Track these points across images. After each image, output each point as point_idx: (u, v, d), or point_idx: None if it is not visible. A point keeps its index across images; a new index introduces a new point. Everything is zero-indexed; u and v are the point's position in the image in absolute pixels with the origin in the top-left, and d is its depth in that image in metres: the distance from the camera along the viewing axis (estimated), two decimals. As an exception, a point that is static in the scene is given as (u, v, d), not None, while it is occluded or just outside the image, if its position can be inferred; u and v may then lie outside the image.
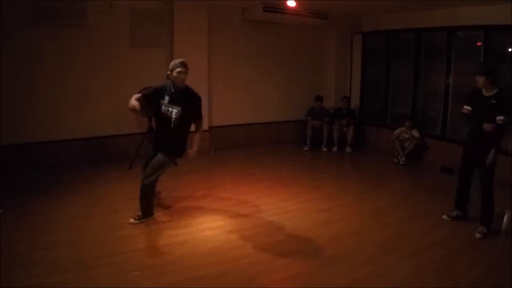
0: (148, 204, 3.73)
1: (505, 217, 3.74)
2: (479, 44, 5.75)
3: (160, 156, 3.62)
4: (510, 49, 5.47)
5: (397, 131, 6.44)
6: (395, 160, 6.32)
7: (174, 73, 3.60)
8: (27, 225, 3.60)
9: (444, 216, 3.96)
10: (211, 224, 3.79)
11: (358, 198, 4.66)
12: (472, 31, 5.86)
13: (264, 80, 7.23)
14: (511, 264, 3.06)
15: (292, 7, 6.04)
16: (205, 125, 6.47)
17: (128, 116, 5.91)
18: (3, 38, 4.89)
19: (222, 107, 6.76)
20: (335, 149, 7.01)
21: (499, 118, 3.49)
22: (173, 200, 4.39)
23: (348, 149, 7.01)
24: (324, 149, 7.04)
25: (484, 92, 3.68)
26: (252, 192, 4.71)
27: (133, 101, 3.51)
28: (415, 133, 6.27)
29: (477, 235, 3.57)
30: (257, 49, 7.04)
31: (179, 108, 3.57)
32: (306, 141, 7.14)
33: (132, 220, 3.69)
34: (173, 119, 3.56)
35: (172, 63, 3.66)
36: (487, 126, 3.53)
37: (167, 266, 2.99)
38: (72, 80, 5.50)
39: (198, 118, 3.75)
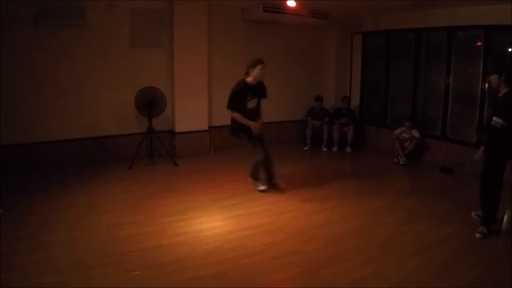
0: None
1: (505, 217, 3.73)
2: (479, 44, 5.75)
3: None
4: (510, 49, 5.46)
5: (397, 131, 6.44)
6: (395, 160, 6.32)
7: (257, 69, 4.43)
8: (27, 225, 3.60)
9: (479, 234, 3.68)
10: (211, 224, 3.79)
11: (358, 198, 4.66)
12: (472, 31, 5.85)
13: (264, 80, 7.20)
14: (511, 264, 3.06)
15: (292, 7, 6.04)
16: (205, 125, 6.50)
17: (128, 116, 5.93)
18: (3, 38, 4.89)
19: (222, 107, 6.69)
20: (335, 149, 7.01)
21: (495, 119, 3.39)
22: (173, 200, 4.39)
23: (348, 149, 7.01)
24: (324, 149, 7.04)
25: (499, 93, 3.52)
26: (252, 192, 4.70)
27: (253, 123, 4.47)
28: (415, 133, 6.27)
29: (477, 235, 3.55)
30: (257, 49, 7.00)
31: (257, 99, 4.52)
32: (306, 141, 7.14)
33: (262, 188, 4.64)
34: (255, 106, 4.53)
35: (253, 61, 4.50)
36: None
37: (167, 266, 2.99)
38: (72, 80, 5.50)
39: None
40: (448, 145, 6.07)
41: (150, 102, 5.58)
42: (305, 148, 7.10)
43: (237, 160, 6.06)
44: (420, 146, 6.32)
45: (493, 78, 3.49)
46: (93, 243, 3.31)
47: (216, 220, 3.89)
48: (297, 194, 4.71)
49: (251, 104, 4.45)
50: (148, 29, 5.96)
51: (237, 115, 4.38)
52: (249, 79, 4.42)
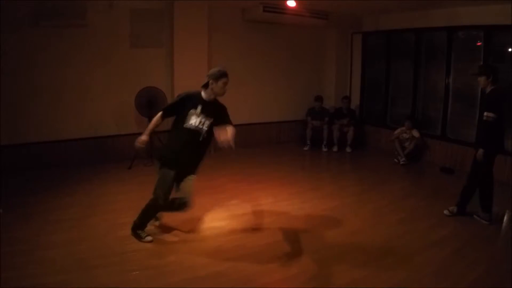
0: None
1: (505, 217, 3.74)
2: (479, 44, 5.75)
3: (191, 181, 3.27)
4: (510, 49, 5.46)
5: (397, 131, 6.44)
6: (395, 160, 6.32)
7: (220, 83, 3.18)
8: (27, 225, 3.60)
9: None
10: (211, 224, 3.79)
11: (358, 198, 4.66)
12: (472, 31, 5.85)
13: (264, 80, 7.23)
14: (511, 264, 3.06)
15: (292, 7, 6.04)
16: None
17: (128, 116, 5.93)
18: (3, 38, 4.89)
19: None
20: (335, 149, 7.01)
21: (486, 114, 3.61)
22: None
23: (348, 149, 7.01)
24: (324, 149, 7.04)
25: (486, 91, 3.78)
26: (252, 192, 4.70)
27: (144, 138, 3.27)
28: (415, 133, 6.27)
29: (445, 212, 3.93)
30: (257, 49, 7.04)
31: (211, 121, 3.22)
32: (306, 141, 7.14)
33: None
34: (203, 132, 3.20)
35: (216, 72, 3.20)
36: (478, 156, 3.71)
37: (167, 266, 3.00)
38: (72, 80, 5.50)
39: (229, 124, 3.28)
40: (448, 145, 6.08)
41: (151, 102, 5.58)
42: (305, 148, 7.10)
43: (237, 160, 6.06)
44: (420, 146, 6.32)
45: (482, 79, 3.73)
46: (93, 243, 3.31)
47: (216, 220, 3.89)
48: (297, 194, 4.71)
49: (199, 124, 3.19)
50: (148, 29, 5.96)
51: (154, 120, 3.33)
52: (205, 94, 3.23)
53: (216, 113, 3.25)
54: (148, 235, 3.38)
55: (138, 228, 3.38)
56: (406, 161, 6.17)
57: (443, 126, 6.26)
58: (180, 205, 3.23)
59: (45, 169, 5.27)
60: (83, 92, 5.62)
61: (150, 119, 5.59)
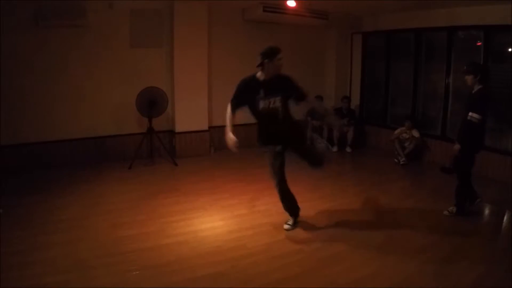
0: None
1: (505, 217, 3.74)
2: (479, 44, 5.75)
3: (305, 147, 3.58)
4: (510, 49, 5.46)
5: (397, 131, 6.44)
6: (395, 160, 6.32)
7: (275, 61, 3.20)
8: (27, 225, 3.60)
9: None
10: (211, 224, 3.79)
11: (358, 198, 4.65)
12: (472, 31, 5.85)
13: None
14: (511, 264, 3.06)
15: (292, 7, 6.04)
16: (205, 125, 6.49)
17: (128, 116, 5.93)
18: (3, 38, 4.89)
19: (222, 107, 6.69)
20: (335, 149, 7.01)
21: (471, 114, 3.59)
22: (173, 200, 4.39)
23: (348, 149, 7.01)
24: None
25: (472, 90, 3.76)
26: (252, 192, 4.70)
27: (230, 137, 3.28)
28: (415, 133, 6.27)
29: (445, 213, 3.90)
30: (257, 49, 6.97)
31: (279, 97, 3.28)
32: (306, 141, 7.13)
33: (286, 226, 3.67)
34: (279, 110, 3.30)
35: (269, 50, 3.21)
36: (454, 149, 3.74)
37: (167, 266, 2.99)
38: (72, 80, 5.50)
39: (302, 96, 3.43)
40: (448, 145, 6.04)
41: (152, 102, 5.58)
42: (305, 148, 7.09)
43: (237, 160, 6.05)
44: (420, 146, 6.32)
45: (469, 78, 3.70)
46: (93, 243, 3.31)
47: (216, 220, 3.89)
48: (296, 194, 4.68)
49: (267, 104, 3.30)
50: (148, 29, 5.96)
51: (228, 114, 3.40)
52: (262, 75, 3.29)
53: (282, 87, 3.29)
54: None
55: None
56: (406, 161, 6.17)
57: (443, 126, 6.26)
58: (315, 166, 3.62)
59: (45, 169, 5.28)
60: (83, 92, 5.62)
61: (150, 119, 5.67)
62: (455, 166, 3.94)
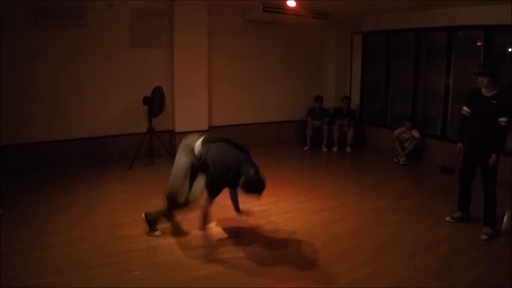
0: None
1: (505, 217, 3.73)
2: (479, 44, 5.75)
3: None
4: (510, 49, 5.46)
5: (397, 131, 6.44)
6: (395, 160, 6.32)
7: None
8: (27, 225, 3.60)
9: (448, 218, 3.93)
10: (211, 224, 3.78)
11: (358, 198, 4.66)
12: (472, 31, 5.85)
13: (264, 80, 7.22)
14: (511, 264, 3.06)
15: (292, 7, 6.04)
16: (205, 125, 6.50)
17: (128, 116, 5.93)
18: (3, 38, 4.88)
19: (222, 107, 6.76)
20: (335, 149, 7.01)
21: (502, 119, 3.44)
22: (173, 200, 4.38)
23: (348, 149, 7.01)
24: (324, 149, 7.04)
25: (484, 92, 3.60)
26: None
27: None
28: (415, 133, 6.27)
29: (483, 237, 3.53)
30: (257, 49, 7.03)
31: None
32: (306, 141, 7.14)
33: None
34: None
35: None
36: (492, 160, 3.51)
37: (167, 266, 2.99)
38: (72, 80, 5.50)
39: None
40: (448, 145, 6.07)
41: (161, 102, 5.57)
42: (305, 148, 7.10)
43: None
44: (420, 146, 6.32)
45: (485, 80, 3.51)
46: (93, 243, 3.31)
47: (216, 220, 3.88)
48: (297, 194, 4.70)
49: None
50: (148, 29, 5.95)
51: None
52: None
53: None
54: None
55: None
56: (406, 161, 6.17)
57: (443, 126, 6.26)
58: None
59: (45, 169, 5.28)
60: (83, 92, 5.62)
61: (150, 119, 5.66)
62: (488, 177, 3.65)
